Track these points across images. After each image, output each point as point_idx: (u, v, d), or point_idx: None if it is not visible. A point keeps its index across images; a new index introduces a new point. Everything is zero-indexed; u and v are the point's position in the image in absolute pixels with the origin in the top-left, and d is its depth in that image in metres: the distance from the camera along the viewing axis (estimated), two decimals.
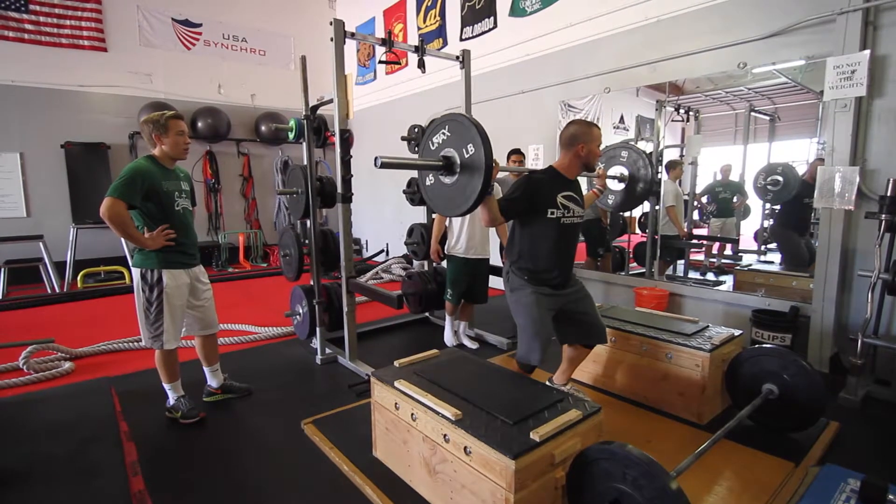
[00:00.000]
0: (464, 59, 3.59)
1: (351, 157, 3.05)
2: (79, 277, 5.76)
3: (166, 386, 2.51)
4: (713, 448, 1.75)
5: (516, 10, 5.06)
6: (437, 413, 1.66)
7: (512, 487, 1.40)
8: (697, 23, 3.67)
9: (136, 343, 3.66)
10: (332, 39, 2.91)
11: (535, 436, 1.47)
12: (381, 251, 7.60)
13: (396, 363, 2.12)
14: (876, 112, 2.91)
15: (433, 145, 2.00)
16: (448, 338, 3.67)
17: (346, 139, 3.01)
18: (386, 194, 7.17)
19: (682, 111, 5.17)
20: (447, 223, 3.49)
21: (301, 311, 3.54)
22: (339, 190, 3.06)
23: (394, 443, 1.94)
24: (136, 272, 2.33)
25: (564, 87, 4.68)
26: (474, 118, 1.96)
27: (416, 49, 3.33)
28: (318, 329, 3.34)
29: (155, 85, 6.67)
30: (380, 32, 7.00)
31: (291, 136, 3.39)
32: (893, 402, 2.66)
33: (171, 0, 6.79)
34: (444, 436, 1.64)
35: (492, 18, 5.33)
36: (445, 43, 5.98)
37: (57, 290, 5.49)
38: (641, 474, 1.36)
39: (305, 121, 3.18)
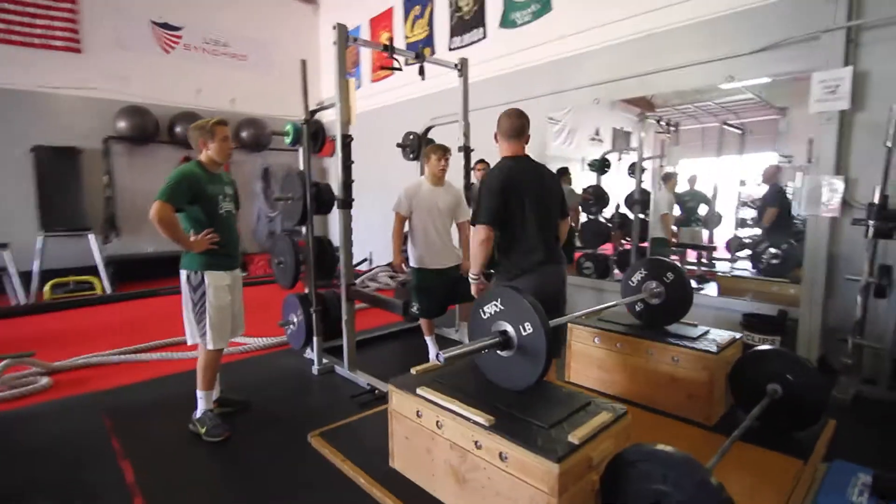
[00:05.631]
0: (462, 68, 3.62)
1: (353, 161, 3.01)
2: (46, 288, 5.45)
3: (200, 393, 2.44)
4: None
5: (507, 22, 5.13)
6: (469, 420, 1.63)
7: (555, 491, 1.38)
8: (687, 37, 3.80)
9: (119, 356, 3.49)
10: (334, 43, 2.89)
11: (573, 439, 1.46)
12: (365, 260, 7.50)
13: (413, 371, 2.07)
14: (857, 125, 3.07)
15: (484, 314, 1.86)
16: (434, 357, 3.37)
17: (348, 144, 2.97)
18: (369, 201, 7.06)
19: (662, 123, 5.36)
20: (409, 235, 3.29)
21: (296, 320, 3.44)
22: (340, 195, 3.01)
23: (415, 452, 1.89)
24: (182, 274, 2.39)
25: (554, 98, 4.76)
26: (531, 297, 1.75)
27: (417, 56, 3.33)
28: (314, 338, 3.25)
29: (132, 88, 6.43)
30: None
31: (288, 140, 3.32)
32: (881, 399, 2.77)
33: (150, 2, 6.60)
34: (476, 442, 1.61)
35: (481, 29, 5.40)
36: (433, 52, 6.01)
37: (23, 302, 5.18)
38: (682, 474, 1.36)
39: (305, 125, 3.12)
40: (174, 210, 2.27)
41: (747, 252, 5.41)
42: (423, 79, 3.38)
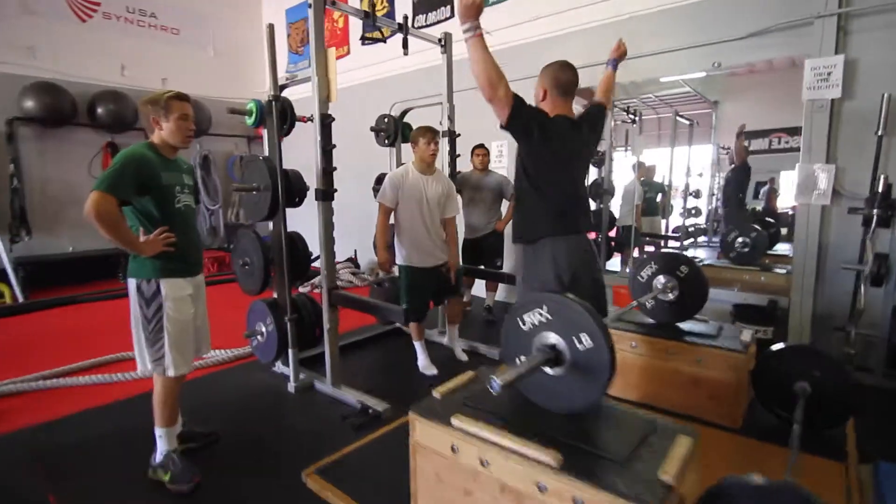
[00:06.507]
0: (445, 44, 3.29)
1: (335, 146, 2.61)
2: None
3: (158, 431, 1.97)
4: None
5: None
6: (529, 458, 1.35)
7: None
8: (671, 21, 3.68)
9: (45, 381, 2.88)
10: (310, 6, 2.46)
11: (666, 476, 1.22)
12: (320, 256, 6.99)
13: (436, 393, 1.75)
14: (845, 113, 3.07)
15: (524, 324, 1.58)
16: (423, 364, 3.11)
17: (328, 125, 2.57)
18: None
19: (629, 114, 5.31)
20: (395, 229, 2.99)
21: (264, 330, 3.00)
22: (320, 185, 2.61)
23: (449, 494, 1.58)
24: (131, 283, 1.94)
25: (531, 82, 4.52)
26: (586, 304, 1.49)
27: (400, 27, 2.96)
28: (290, 351, 2.84)
29: (40, 61, 5.48)
30: None
31: (250, 121, 2.84)
32: (876, 386, 2.81)
33: None
34: (538, 484, 1.33)
35: (449, 7, 5.06)
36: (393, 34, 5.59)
37: None
38: None
39: (273, 102, 2.67)
40: (119, 203, 1.81)
41: (691, 240, 5.62)
42: (406, 53, 3.01)
